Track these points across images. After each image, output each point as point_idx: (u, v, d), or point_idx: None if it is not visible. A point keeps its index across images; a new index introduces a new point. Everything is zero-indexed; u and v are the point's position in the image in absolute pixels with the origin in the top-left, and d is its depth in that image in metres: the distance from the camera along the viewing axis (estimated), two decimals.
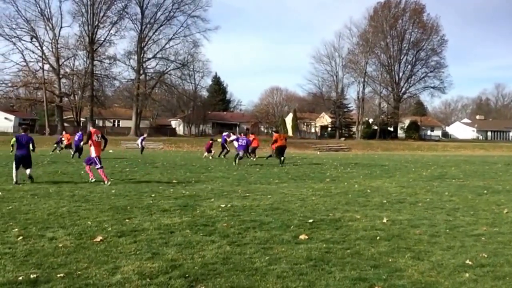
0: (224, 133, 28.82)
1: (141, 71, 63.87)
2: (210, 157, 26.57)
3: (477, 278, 4.80)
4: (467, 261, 5.39)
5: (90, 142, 12.89)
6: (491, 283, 4.66)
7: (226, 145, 26.90)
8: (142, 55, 63.14)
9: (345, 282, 4.64)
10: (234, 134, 27.68)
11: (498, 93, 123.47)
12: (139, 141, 31.51)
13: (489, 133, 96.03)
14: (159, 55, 64.80)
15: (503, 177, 16.98)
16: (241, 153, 21.36)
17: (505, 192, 12.07)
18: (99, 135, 13.20)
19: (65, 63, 62.43)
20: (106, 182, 12.38)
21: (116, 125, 75.10)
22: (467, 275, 4.91)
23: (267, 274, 4.87)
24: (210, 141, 27.80)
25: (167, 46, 64.41)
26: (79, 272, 4.81)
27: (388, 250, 5.92)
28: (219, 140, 27.90)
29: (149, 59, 64.85)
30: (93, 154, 12.87)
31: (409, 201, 10.25)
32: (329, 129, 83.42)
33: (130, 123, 64.63)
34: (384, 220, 7.82)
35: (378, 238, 6.56)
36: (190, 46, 64.75)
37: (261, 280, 4.66)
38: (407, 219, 8.05)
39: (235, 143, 22.04)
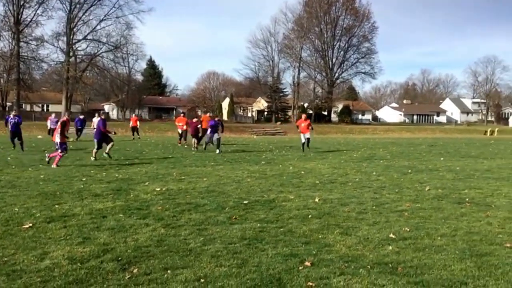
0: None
1: (71, 53, 60.73)
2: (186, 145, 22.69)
3: (399, 250, 5.13)
4: (391, 235, 5.74)
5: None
6: (412, 254, 4.99)
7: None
8: (71, 36, 60.00)
9: (277, 258, 4.79)
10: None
11: (424, 79, 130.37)
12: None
13: (415, 117, 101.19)
14: (89, 37, 61.88)
15: (426, 157, 18.07)
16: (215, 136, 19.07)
17: (427, 171, 12.87)
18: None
19: None
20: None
21: (45, 110, 71.34)
22: (390, 247, 5.23)
23: (201, 254, 4.92)
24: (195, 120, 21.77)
25: (98, 27, 61.60)
26: (6, 259, 4.63)
27: (318, 227, 6.16)
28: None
29: (79, 40, 61.77)
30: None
31: (340, 181, 10.67)
32: (266, 113, 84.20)
33: (60, 108, 61.59)
34: (316, 200, 8.11)
35: (310, 216, 6.80)
36: (122, 28, 62.27)
37: (195, 260, 4.71)
38: (337, 198, 8.40)
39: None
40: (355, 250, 5.13)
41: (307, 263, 4.62)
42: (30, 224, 6.01)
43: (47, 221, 6.22)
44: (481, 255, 4.94)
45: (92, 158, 14.82)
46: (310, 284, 4.07)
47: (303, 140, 19.85)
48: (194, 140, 20.52)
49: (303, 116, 21.01)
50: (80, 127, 27.41)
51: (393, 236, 5.69)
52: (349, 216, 6.88)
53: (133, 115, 35.60)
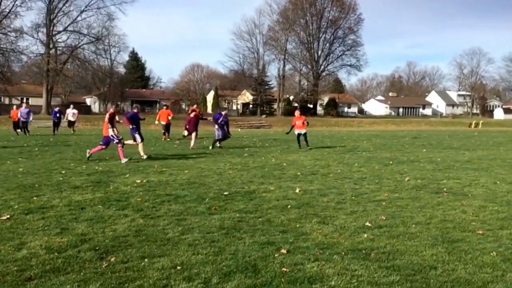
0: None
1: (51, 45, 59.79)
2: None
3: (374, 238, 5.24)
4: (367, 223, 5.84)
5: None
6: (386, 241, 5.10)
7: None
8: (51, 28, 59.04)
9: (254, 246, 4.85)
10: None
11: (410, 71, 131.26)
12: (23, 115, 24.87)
13: (400, 109, 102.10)
14: (70, 28, 60.95)
15: (409, 149, 18.30)
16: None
17: (408, 162, 13.06)
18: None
19: None
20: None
21: (25, 103, 70.28)
22: (365, 235, 5.33)
23: (179, 243, 4.96)
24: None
25: (79, 18, 60.65)
26: None
27: (297, 217, 6.24)
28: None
29: (59, 32, 60.80)
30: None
31: (322, 172, 10.78)
32: (251, 106, 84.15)
33: (41, 101, 60.77)
34: (297, 191, 8.19)
35: (289, 206, 6.88)
36: (104, 19, 61.42)
37: (173, 249, 4.75)
38: (317, 188, 8.50)
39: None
40: (331, 238, 5.22)
41: (283, 251, 4.69)
42: (8, 216, 5.99)
43: (25, 213, 6.20)
44: (452, 242, 5.07)
45: (144, 156, 13.23)
46: (284, 269, 4.14)
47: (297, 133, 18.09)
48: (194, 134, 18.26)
49: (297, 112, 18.92)
50: (56, 121, 26.59)
51: (369, 225, 5.79)
52: (327, 206, 6.98)
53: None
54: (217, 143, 17.70)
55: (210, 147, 17.16)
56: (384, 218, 6.13)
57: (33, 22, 59.43)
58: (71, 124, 27.77)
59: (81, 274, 4.03)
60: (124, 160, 12.21)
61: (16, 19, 58.58)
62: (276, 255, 4.58)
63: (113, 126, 12.79)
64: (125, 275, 4.02)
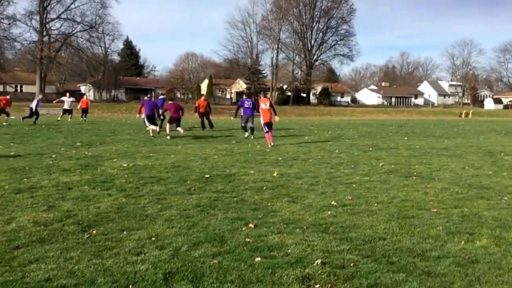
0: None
1: (44, 33, 59.78)
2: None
3: (336, 215, 5.71)
4: (333, 202, 6.32)
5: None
6: (346, 217, 5.58)
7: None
8: (45, 15, 58.98)
9: (225, 221, 5.32)
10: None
11: (403, 61, 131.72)
12: (33, 104, 24.35)
13: (393, 99, 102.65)
14: (63, 16, 60.95)
15: (392, 137, 18.80)
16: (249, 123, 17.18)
17: (387, 149, 13.55)
18: (267, 103, 14.67)
19: None
20: (270, 144, 13.92)
21: (18, 91, 70.20)
22: (329, 212, 5.81)
23: (156, 218, 5.42)
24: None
25: (73, 6, 60.68)
26: None
27: (270, 197, 6.71)
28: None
29: (52, 19, 60.79)
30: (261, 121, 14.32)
31: (302, 158, 11.24)
32: (245, 95, 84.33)
33: (34, 88, 60.79)
34: (274, 174, 8.65)
35: (264, 188, 7.34)
36: (97, 7, 61.48)
37: (150, 223, 5.21)
38: (295, 172, 8.96)
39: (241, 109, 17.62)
40: (297, 215, 5.69)
41: (251, 225, 5.16)
42: None
43: (15, 192, 6.63)
44: (406, 218, 5.55)
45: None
46: (248, 240, 4.61)
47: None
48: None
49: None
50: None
51: (335, 203, 6.27)
52: (300, 187, 7.44)
53: (84, 97, 33.51)
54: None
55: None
56: (350, 198, 6.61)
57: (26, 9, 59.33)
58: (68, 112, 27.16)
59: (64, 244, 4.48)
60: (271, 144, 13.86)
61: (9, 6, 58.53)
62: (243, 228, 5.04)
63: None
64: (104, 244, 4.47)
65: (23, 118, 23.33)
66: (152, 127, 17.02)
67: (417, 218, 5.54)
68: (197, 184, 7.52)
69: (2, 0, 56.27)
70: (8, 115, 22.83)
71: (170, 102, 18.23)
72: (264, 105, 14.67)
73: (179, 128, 16.72)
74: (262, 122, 14.47)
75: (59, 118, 26.87)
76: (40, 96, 24.71)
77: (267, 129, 14.24)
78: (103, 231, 4.90)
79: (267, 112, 14.52)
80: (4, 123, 21.94)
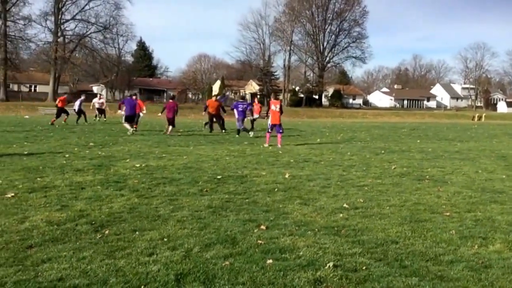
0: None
1: (59, 34, 60.45)
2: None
3: (348, 217, 5.68)
4: (345, 205, 6.29)
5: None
6: (358, 220, 5.55)
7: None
8: (59, 16, 59.66)
9: (237, 223, 5.32)
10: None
11: (416, 64, 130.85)
12: (76, 105, 24.76)
13: (405, 102, 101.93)
14: (78, 17, 61.62)
15: (404, 140, 18.68)
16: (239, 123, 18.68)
17: (399, 152, 13.46)
18: (277, 106, 15.00)
19: None
20: (267, 144, 14.49)
21: (32, 90, 71.07)
22: (341, 215, 5.78)
23: (168, 219, 5.44)
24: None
25: (87, 7, 61.30)
26: None
27: (281, 199, 6.70)
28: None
29: (67, 20, 61.49)
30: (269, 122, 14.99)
31: (314, 160, 11.20)
32: (258, 96, 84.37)
33: (48, 88, 61.48)
34: (286, 176, 8.64)
35: (276, 190, 7.33)
36: (111, 8, 62.02)
37: (162, 224, 5.23)
38: (306, 174, 8.94)
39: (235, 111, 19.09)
40: (309, 217, 5.67)
41: (263, 227, 5.15)
42: (13, 194, 6.48)
43: (29, 192, 6.70)
44: (419, 221, 5.51)
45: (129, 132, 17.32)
46: (260, 242, 4.60)
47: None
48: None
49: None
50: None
51: (347, 206, 6.24)
52: (312, 190, 7.42)
53: (82, 96, 30.63)
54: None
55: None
56: (362, 201, 6.57)
57: (42, 10, 60.08)
58: (100, 112, 27.51)
59: (77, 243, 4.51)
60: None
61: (24, 7, 59.33)
62: (255, 230, 5.04)
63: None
64: (117, 244, 4.50)
65: (77, 122, 23.91)
66: (127, 125, 17.94)
67: (430, 222, 5.49)
68: (209, 185, 7.54)
69: (17, 0, 57.02)
70: (67, 114, 23.28)
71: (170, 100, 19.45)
72: (274, 106, 14.96)
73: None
74: (269, 122, 15.01)
75: (97, 119, 27.64)
76: (83, 97, 25.41)
77: (270, 130, 14.97)
78: (116, 231, 4.93)
79: (276, 114, 14.86)
80: (62, 122, 22.72)
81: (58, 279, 3.64)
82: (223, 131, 20.25)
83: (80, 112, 24.42)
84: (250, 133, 18.64)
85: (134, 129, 18.18)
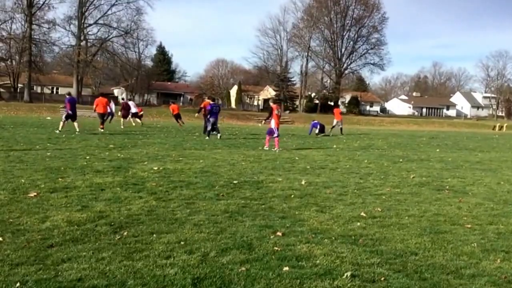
0: None
1: (82, 37, 61.56)
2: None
3: (366, 226, 5.63)
4: (362, 214, 6.24)
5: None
6: (376, 229, 5.49)
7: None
8: (83, 20, 60.78)
9: (253, 228, 5.31)
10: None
11: (435, 71, 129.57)
12: (133, 109, 27.23)
13: (424, 110, 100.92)
14: (101, 21, 62.65)
15: (423, 148, 18.46)
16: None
17: (418, 161, 13.31)
18: (279, 110, 16.01)
19: (1, 26, 59.00)
20: (277, 149, 14.94)
21: (54, 92, 72.33)
22: (358, 224, 5.73)
23: (185, 222, 5.46)
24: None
25: (109, 12, 62.34)
26: (11, 220, 5.22)
27: (298, 205, 6.67)
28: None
29: (90, 25, 62.58)
30: (272, 125, 15.49)
31: (330, 167, 11.15)
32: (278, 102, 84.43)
33: (71, 91, 62.48)
34: (302, 182, 8.61)
35: (292, 196, 7.31)
36: (133, 13, 62.97)
37: (179, 227, 5.25)
38: (323, 181, 8.89)
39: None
40: (326, 225, 5.64)
41: (279, 233, 5.14)
42: (35, 193, 6.60)
43: (50, 191, 6.80)
44: (439, 233, 5.43)
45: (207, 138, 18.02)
46: (276, 248, 4.59)
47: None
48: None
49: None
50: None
51: (364, 215, 6.18)
52: (329, 197, 7.38)
53: (171, 103, 32.62)
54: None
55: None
56: (380, 210, 6.51)
57: (66, 15, 61.31)
58: (134, 115, 27.95)
59: (96, 244, 4.56)
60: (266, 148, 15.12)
61: (49, 11, 60.64)
62: (271, 236, 5.03)
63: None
64: (135, 246, 4.53)
65: (142, 124, 25.89)
66: (60, 123, 18.77)
67: (450, 234, 5.41)
68: (225, 190, 7.55)
69: (42, 5, 58.20)
70: (112, 116, 25.16)
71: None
72: (277, 111, 15.92)
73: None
74: (274, 126, 15.50)
75: (134, 124, 27.99)
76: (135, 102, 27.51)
77: (278, 133, 15.57)
78: (134, 233, 4.97)
79: (278, 118, 15.78)
80: (179, 128, 24.47)
81: (77, 279, 3.67)
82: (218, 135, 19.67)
83: (110, 114, 25.45)
84: (207, 137, 18.40)
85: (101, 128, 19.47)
